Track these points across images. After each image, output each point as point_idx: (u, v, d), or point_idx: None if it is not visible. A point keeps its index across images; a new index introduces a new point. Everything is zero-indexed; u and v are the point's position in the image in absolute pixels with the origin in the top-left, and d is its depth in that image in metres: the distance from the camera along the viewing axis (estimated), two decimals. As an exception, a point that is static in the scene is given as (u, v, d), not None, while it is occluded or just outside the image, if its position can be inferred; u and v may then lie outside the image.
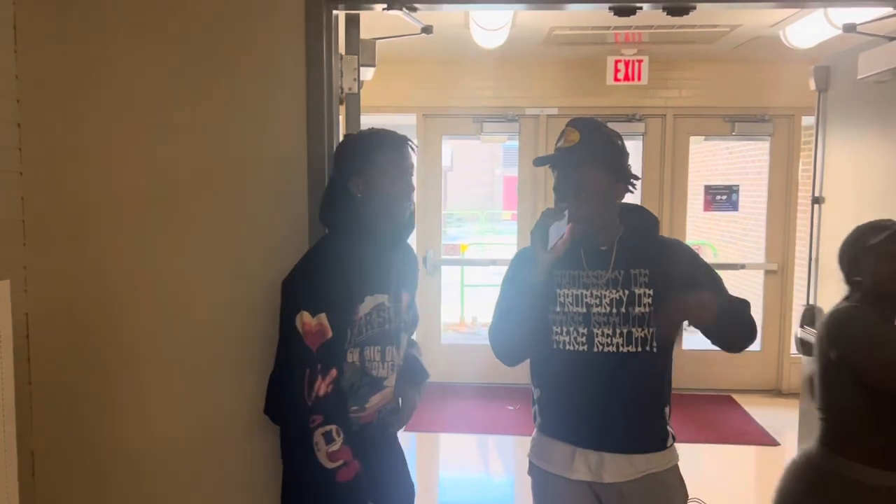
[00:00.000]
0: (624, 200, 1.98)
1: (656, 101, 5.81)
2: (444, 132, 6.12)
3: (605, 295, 1.90)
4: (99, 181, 2.23)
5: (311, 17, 2.18)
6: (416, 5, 2.31)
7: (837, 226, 2.99)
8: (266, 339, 2.00)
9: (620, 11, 2.28)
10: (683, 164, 5.91)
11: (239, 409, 2.22)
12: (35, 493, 2.29)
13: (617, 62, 5.52)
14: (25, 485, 2.19)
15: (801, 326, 3.10)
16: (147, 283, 2.25)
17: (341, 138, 2.24)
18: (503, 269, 2.06)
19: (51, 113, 2.21)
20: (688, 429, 5.06)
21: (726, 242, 8.24)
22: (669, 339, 1.93)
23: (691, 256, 1.98)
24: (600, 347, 1.89)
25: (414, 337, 2.24)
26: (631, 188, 1.95)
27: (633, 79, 5.54)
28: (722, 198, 6.06)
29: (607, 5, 2.28)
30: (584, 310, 1.91)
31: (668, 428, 1.96)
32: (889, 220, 2.11)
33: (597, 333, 1.89)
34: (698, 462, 4.57)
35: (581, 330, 1.90)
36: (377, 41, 2.42)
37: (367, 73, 2.48)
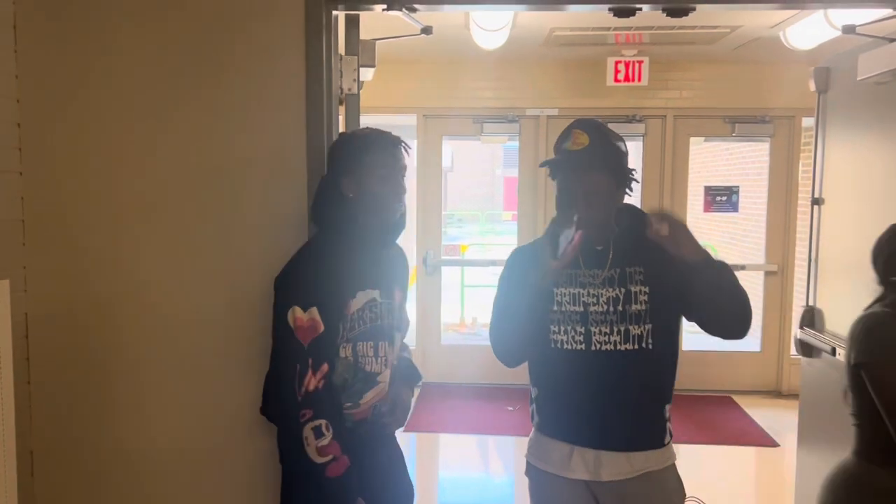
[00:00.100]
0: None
1: (656, 102, 5.82)
2: (444, 133, 6.12)
3: (602, 293, 1.91)
4: (99, 181, 2.23)
5: (310, 17, 2.18)
6: (416, 6, 2.31)
7: (837, 227, 2.99)
8: (266, 338, 2.01)
9: (620, 12, 2.28)
10: (683, 165, 5.91)
11: (238, 409, 2.22)
12: (34, 493, 2.29)
13: (617, 63, 5.52)
14: (24, 484, 2.19)
15: (801, 327, 3.10)
16: (146, 282, 2.25)
17: (340, 139, 2.24)
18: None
19: (51, 113, 2.22)
20: (688, 429, 5.06)
21: (726, 243, 8.25)
22: (668, 333, 1.94)
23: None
24: (598, 346, 1.90)
25: (405, 340, 2.24)
26: (629, 190, 1.96)
27: (633, 80, 5.55)
28: (722, 199, 6.06)
29: (607, 6, 2.28)
30: (582, 309, 1.92)
31: (668, 425, 1.97)
32: None
33: (594, 332, 1.90)
34: (698, 463, 4.58)
35: (579, 329, 1.91)
36: (377, 42, 2.42)
37: (366, 74, 2.48)
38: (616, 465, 1.91)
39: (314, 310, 1.87)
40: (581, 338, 1.90)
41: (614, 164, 1.90)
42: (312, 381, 1.85)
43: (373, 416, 2.03)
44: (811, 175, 3.18)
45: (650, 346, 1.90)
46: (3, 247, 2.16)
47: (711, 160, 9.44)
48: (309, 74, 2.19)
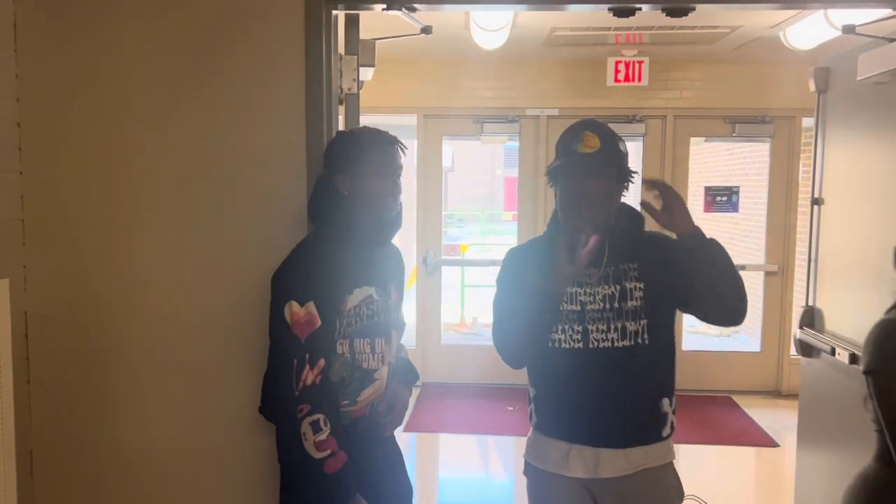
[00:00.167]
0: None
1: (657, 103, 5.82)
2: (444, 133, 6.12)
3: (598, 291, 1.92)
4: (98, 180, 2.24)
5: (310, 16, 2.18)
6: (416, 5, 2.31)
7: (837, 227, 2.99)
8: (265, 338, 2.01)
9: (620, 12, 2.28)
10: (684, 166, 5.91)
11: (238, 408, 2.23)
12: (34, 492, 2.29)
13: (617, 63, 5.52)
14: (24, 483, 2.20)
15: (801, 327, 3.10)
16: (146, 282, 2.25)
17: (340, 138, 2.24)
18: (503, 270, 2.07)
19: (51, 112, 2.22)
20: (688, 430, 5.06)
21: (726, 244, 8.12)
22: (664, 328, 1.95)
23: (672, 241, 2.01)
24: (595, 344, 1.91)
25: (402, 342, 2.25)
26: (626, 190, 1.97)
27: (633, 80, 5.55)
28: (722, 199, 6.06)
29: (606, 6, 2.28)
30: (579, 307, 1.93)
31: (669, 417, 1.96)
32: None
33: (591, 330, 1.91)
34: (698, 463, 4.58)
35: (576, 327, 1.92)
36: (377, 41, 2.42)
37: (366, 74, 2.48)
38: (614, 463, 1.92)
39: (311, 304, 1.88)
40: (579, 336, 1.91)
41: (621, 166, 1.91)
42: (310, 376, 1.86)
43: (370, 414, 2.04)
44: (811, 175, 3.18)
45: (646, 342, 1.91)
46: (2, 246, 2.16)
47: (712, 160, 9.43)
48: (309, 74, 2.19)
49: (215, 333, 2.26)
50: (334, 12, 2.26)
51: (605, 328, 1.91)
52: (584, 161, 1.87)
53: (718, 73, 5.76)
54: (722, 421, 5.37)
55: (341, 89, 2.34)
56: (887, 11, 2.45)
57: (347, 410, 1.98)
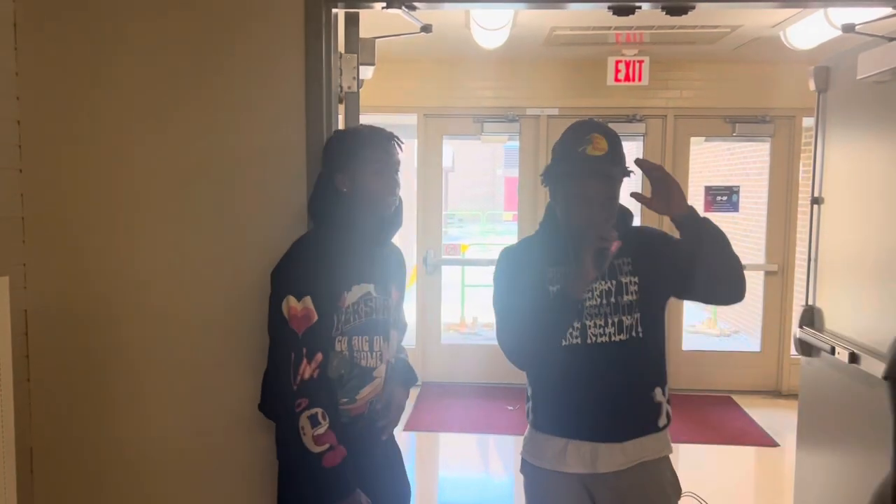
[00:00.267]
0: None
1: (657, 102, 5.81)
2: (444, 132, 6.12)
3: (595, 287, 1.93)
4: (98, 178, 2.24)
5: (310, 15, 2.18)
6: (416, 4, 2.31)
7: (837, 226, 2.99)
8: (264, 336, 2.01)
9: (619, 11, 2.28)
10: (684, 165, 5.90)
11: (237, 406, 2.23)
12: (33, 490, 2.29)
13: (618, 63, 5.52)
14: (24, 482, 2.20)
15: (801, 327, 3.10)
16: (146, 280, 2.25)
17: (340, 137, 2.24)
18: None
19: (51, 110, 2.22)
20: (688, 429, 5.06)
21: (727, 243, 8.21)
22: (657, 319, 1.98)
23: (663, 235, 2.06)
24: (593, 339, 1.92)
25: (408, 348, 2.25)
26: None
27: (633, 79, 5.54)
28: (722, 199, 6.06)
29: (606, 4, 2.28)
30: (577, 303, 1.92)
31: (664, 407, 1.98)
32: None
33: (589, 325, 1.92)
34: (698, 462, 4.58)
35: (575, 324, 1.92)
36: (377, 40, 2.42)
37: (366, 72, 2.48)
38: (612, 457, 1.93)
39: (308, 299, 1.88)
40: (577, 332, 1.92)
41: (624, 167, 1.92)
42: (308, 370, 1.87)
43: (369, 412, 2.04)
44: (811, 175, 3.18)
45: (640, 335, 1.93)
46: (2, 244, 2.16)
47: (712, 160, 9.44)
48: (308, 72, 2.19)
49: (215, 332, 2.26)
50: (334, 10, 2.26)
51: (602, 323, 1.92)
52: (594, 164, 1.86)
53: (719, 73, 5.76)
54: (722, 421, 5.36)
55: (341, 88, 2.34)
56: (887, 10, 2.44)
57: (346, 408, 1.98)
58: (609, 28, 4.71)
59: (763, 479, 4.64)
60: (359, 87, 2.39)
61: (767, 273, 5.98)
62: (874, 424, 2.55)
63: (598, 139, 1.86)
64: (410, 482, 2.25)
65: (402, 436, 2.13)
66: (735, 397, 5.84)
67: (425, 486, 4.35)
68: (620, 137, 1.95)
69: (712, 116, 5.86)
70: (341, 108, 2.38)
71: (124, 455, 2.30)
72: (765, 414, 5.44)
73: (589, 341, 1.92)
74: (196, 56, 2.21)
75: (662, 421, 1.98)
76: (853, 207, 2.86)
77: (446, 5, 2.62)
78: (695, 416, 5.37)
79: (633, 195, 1.95)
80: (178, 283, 2.26)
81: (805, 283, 3.17)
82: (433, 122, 6.05)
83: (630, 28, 4.71)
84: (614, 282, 1.93)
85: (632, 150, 5.23)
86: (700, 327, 8.30)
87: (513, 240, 6.91)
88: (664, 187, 1.89)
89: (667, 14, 2.33)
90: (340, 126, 2.37)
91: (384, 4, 2.29)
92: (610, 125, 1.96)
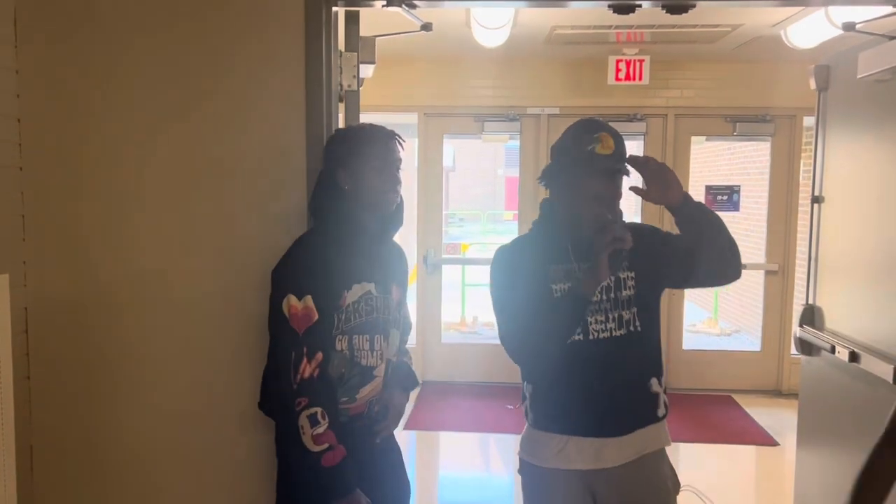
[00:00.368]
0: None
1: (658, 101, 5.81)
2: (445, 131, 6.11)
3: None
4: (98, 176, 2.24)
5: (310, 13, 2.18)
6: (416, 2, 2.31)
7: (837, 225, 2.99)
8: (264, 333, 2.01)
9: (619, 9, 2.29)
10: (685, 165, 5.90)
11: (237, 403, 2.23)
12: (34, 488, 2.29)
13: (618, 62, 5.52)
14: (24, 479, 2.20)
15: (801, 326, 3.10)
16: (146, 277, 2.25)
17: (340, 135, 2.24)
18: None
19: (51, 108, 2.22)
20: (688, 429, 5.06)
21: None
22: (652, 312, 2.01)
23: (653, 229, 2.09)
24: (595, 335, 1.93)
25: (407, 345, 2.24)
26: None
27: (634, 78, 5.54)
28: (723, 198, 6.05)
29: (606, 3, 2.28)
30: None
31: (661, 397, 2.00)
32: None
33: (591, 322, 1.92)
34: (698, 462, 4.58)
35: None
36: (377, 38, 2.42)
37: (367, 71, 2.48)
38: (614, 451, 1.94)
39: (308, 298, 1.88)
40: (580, 329, 1.92)
41: (626, 166, 1.94)
42: (307, 369, 1.87)
43: (368, 411, 2.04)
44: (811, 174, 3.18)
45: (639, 329, 1.96)
46: (2, 242, 2.16)
47: (712, 159, 9.44)
48: (309, 70, 2.19)
49: (214, 330, 2.26)
50: (334, 9, 2.26)
51: (603, 319, 1.93)
52: (604, 162, 1.88)
53: (719, 72, 5.76)
54: (722, 420, 5.36)
55: (341, 86, 2.34)
56: (888, 9, 2.44)
57: (346, 407, 1.98)
58: (610, 27, 4.71)
59: (763, 478, 4.64)
60: (359, 86, 2.39)
61: (768, 272, 5.98)
62: (874, 423, 2.54)
63: (607, 138, 1.88)
64: (410, 481, 2.25)
65: (402, 435, 2.13)
66: (735, 396, 5.84)
67: (425, 485, 4.35)
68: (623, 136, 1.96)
69: (713, 116, 5.85)
70: (341, 106, 2.38)
71: (124, 452, 2.30)
72: (765, 413, 5.44)
73: (591, 337, 1.92)
74: (196, 54, 2.21)
75: (661, 411, 2.00)
76: (854, 206, 2.86)
77: (446, 3, 2.62)
78: (695, 416, 5.37)
79: (633, 189, 1.97)
80: (177, 281, 2.26)
81: (805, 283, 3.17)
82: (434, 122, 6.05)
83: (631, 27, 4.71)
84: (613, 278, 1.93)
85: (633, 149, 5.21)
86: (700, 327, 8.30)
87: (513, 239, 6.92)
88: (660, 177, 1.91)
89: (667, 12, 2.33)
90: (341, 125, 2.37)
91: (384, 3, 2.29)
92: (610, 124, 1.96)
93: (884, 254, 2.60)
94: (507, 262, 2.01)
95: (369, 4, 2.33)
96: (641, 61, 5.49)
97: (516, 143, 6.12)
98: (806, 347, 3.08)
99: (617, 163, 1.89)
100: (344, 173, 1.98)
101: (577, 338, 1.92)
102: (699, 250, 1.91)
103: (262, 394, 2.07)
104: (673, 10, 2.32)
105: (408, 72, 5.69)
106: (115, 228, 2.25)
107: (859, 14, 2.65)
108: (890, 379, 2.40)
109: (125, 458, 2.30)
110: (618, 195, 1.92)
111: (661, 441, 2.01)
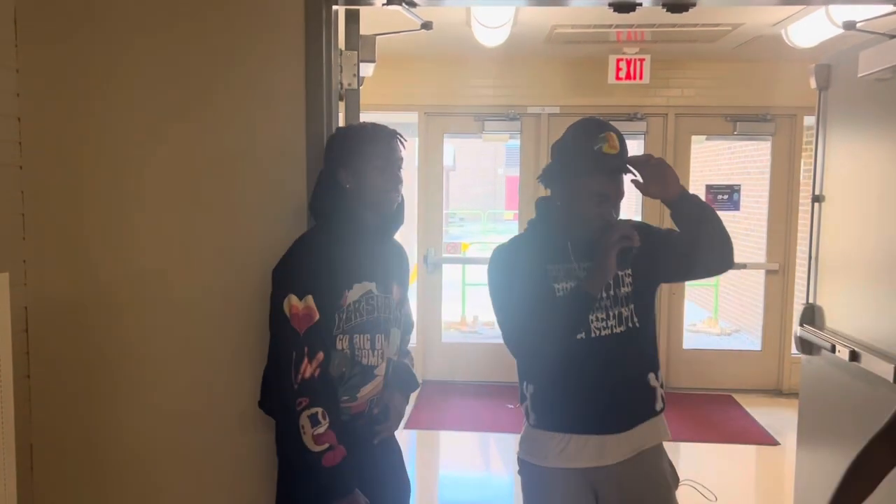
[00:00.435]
0: None
1: (658, 101, 5.81)
2: (445, 130, 6.11)
3: None
4: (98, 175, 2.24)
5: (310, 12, 2.18)
6: (416, 1, 2.31)
7: (838, 224, 2.98)
8: (265, 332, 2.01)
9: (620, 7, 2.28)
10: (685, 164, 5.90)
11: (238, 402, 2.23)
12: (34, 486, 2.29)
13: (619, 61, 5.51)
14: (24, 478, 2.20)
15: (801, 325, 3.10)
16: (146, 276, 2.25)
17: (340, 134, 2.24)
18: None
19: (51, 107, 2.22)
20: (688, 428, 5.06)
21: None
22: (649, 307, 2.02)
23: (646, 226, 2.11)
24: (597, 332, 1.93)
25: (409, 346, 2.24)
26: None
27: (634, 78, 5.54)
28: (723, 197, 6.05)
29: (607, 1, 2.28)
30: None
31: (658, 391, 2.03)
32: None
33: (592, 319, 1.93)
34: (699, 461, 4.58)
35: None
36: (377, 37, 2.42)
37: (367, 69, 2.47)
38: (616, 447, 1.95)
39: (309, 298, 1.88)
40: (581, 326, 1.92)
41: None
42: (308, 369, 1.86)
43: (369, 410, 2.04)
44: (812, 173, 3.17)
45: (637, 325, 1.98)
46: (2, 240, 2.16)
47: (713, 158, 9.43)
48: (309, 69, 2.19)
49: (214, 329, 2.26)
50: (334, 7, 2.25)
51: (604, 316, 1.94)
52: (612, 162, 1.89)
53: (720, 72, 5.76)
54: (722, 419, 5.36)
55: (341, 85, 2.34)
56: (889, 7, 2.44)
57: (347, 406, 1.98)
58: (610, 26, 4.71)
59: (764, 477, 4.64)
60: (359, 85, 2.38)
61: (768, 272, 5.97)
62: (875, 422, 2.54)
63: (613, 137, 1.89)
64: (411, 480, 2.25)
65: (402, 434, 2.12)
66: (736, 396, 5.83)
67: (426, 484, 4.35)
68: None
69: (713, 115, 5.85)
70: (342, 105, 2.38)
71: (124, 451, 2.30)
72: (765, 412, 5.44)
73: (593, 335, 1.93)
74: (196, 53, 2.21)
75: (659, 405, 2.02)
76: (854, 205, 2.86)
77: (447, 2, 2.62)
78: (695, 415, 5.36)
79: (633, 182, 1.98)
80: (177, 281, 2.25)
81: (806, 282, 3.17)
82: (434, 121, 6.05)
83: (631, 26, 4.71)
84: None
85: (633, 148, 5.21)
86: (701, 326, 8.30)
87: (514, 238, 6.92)
88: (659, 173, 1.93)
89: (667, 11, 2.33)
90: (341, 123, 2.36)
91: (385, 1, 2.29)
92: (611, 123, 1.96)
93: (884, 253, 2.59)
94: (505, 262, 2.01)
95: (369, 3, 2.33)
96: (642, 60, 5.49)
97: (517, 142, 6.11)
98: (806, 346, 3.08)
99: (622, 162, 1.91)
100: (345, 172, 1.98)
101: (579, 336, 1.92)
102: (695, 243, 1.93)
103: (263, 393, 2.07)
104: (673, 8, 2.31)
105: (408, 71, 5.69)
106: (116, 227, 2.25)
107: (860, 13, 2.65)
108: (890, 378, 2.40)
109: (125, 457, 2.30)
110: (621, 194, 1.94)
111: (660, 435, 2.03)
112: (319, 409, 1.85)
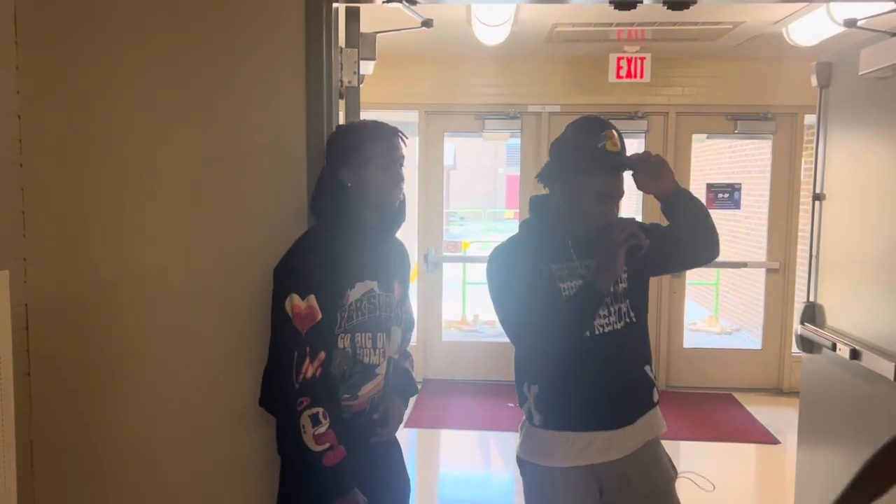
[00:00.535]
0: None
1: (659, 99, 5.80)
2: (446, 129, 6.11)
3: None
4: (99, 173, 2.23)
5: (311, 10, 2.18)
6: (417, -2, 2.30)
7: (838, 222, 2.98)
8: (266, 330, 2.01)
9: (621, 5, 2.28)
10: (686, 163, 5.90)
11: (238, 399, 2.23)
12: (34, 484, 2.29)
13: (619, 59, 5.51)
14: (24, 476, 2.20)
15: (802, 323, 3.10)
16: (147, 274, 2.25)
17: (340, 132, 2.23)
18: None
19: (51, 104, 2.22)
20: (689, 427, 5.06)
21: (728, 241, 8.24)
22: (643, 301, 2.05)
23: (642, 223, 2.11)
24: (600, 329, 1.94)
25: (409, 345, 2.24)
26: None
27: (635, 76, 5.53)
28: (724, 196, 6.04)
29: (608, -1, 2.28)
30: None
31: (653, 382, 2.06)
32: None
33: (595, 317, 1.93)
34: (699, 460, 4.58)
35: None
36: (378, 35, 2.42)
37: (367, 67, 2.47)
38: (621, 442, 1.96)
39: (312, 297, 1.87)
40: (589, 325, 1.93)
41: None
42: (310, 369, 1.86)
43: (370, 408, 2.03)
44: (813, 171, 3.17)
45: (633, 319, 2.00)
46: (3, 238, 2.16)
47: (713, 157, 9.43)
48: (309, 67, 2.19)
49: (214, 327, 2.25)
50: (335, 5, 2.25)
51: (605, 313, 1.94)
52: (615, 159, 1.90)
53: (721, 70, 5.75)
54: (723, 418, 5.36)
55: (342, 82, 2.33)
56: (890, 5, 2.44)
57: (348, 404, 1.98)
58: (611, 24, 4.71)
59: (764, 476, 4.64)
60: (359, 82, 2.38)
61: (769, 270, 5.97)
62: (875, 420, 2.55)
63: (613, 135, 1.90)
64: (411, 479, 2.24)
65: (402, 433, 2.12)
66: (736, 395, 5.84)
67: (426, 483, 4.35)
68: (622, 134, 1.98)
69: (714, 113, 5.85)
70: (342, 103, 2.38)
71: (125, 449, 2.30)
72: (766, 411, 5.44)
73: (597, 332, 1.94)
74: (196, 51, 2.21)
75: (655, 396, 2.05)
76: (855, 204, 2.86)
77: (447, 0, 2.61)
78: (696, 414, 5.37)
79: (633, 175, 1.99)
80: (178, 278, 2.25)
81: (806, 280, 3.17)
82: (434, 119, 6.05)
83: (632, 24, 4.70)
84: None
85: (634, 146, 5.21)
86: (701, 325, 8.30)
87: (514, 237, 6.91)
88: (657, 169, 1.95)
89: (668, 9, 2.32)
90: (341, 121, 2.36)
91: (385, -1, 2.28)
92: (612, 122, 1.97)
93: (885, 251, 2.59)
94: (505, 262, 1.99)
95: (370, 0, 2.32)
96: (642, 59, 5.48)
97: (517, 141, 6.11)
98: (807, 345, 3.08)
99: (623, 159, 1.92)
100: (347, 171, 1.97)
101: (584, 334, 1.93)
102: (685, 236, 1.97)
103: (263, 391, 2.06)
104: (674, 6, 2.31)
105: (408, 69, 5.69)
106: (116, 225, 2.25)
107: (861, 10, 2.64)
108: (891, 376, 2.40)
109: (125, 454, 2.30)
110: (622, 192, 1.94)
111: (658, 427, 2.06)
112: (320, 409, 1.85)
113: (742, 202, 6.14)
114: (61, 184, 2.23)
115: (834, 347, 2.80)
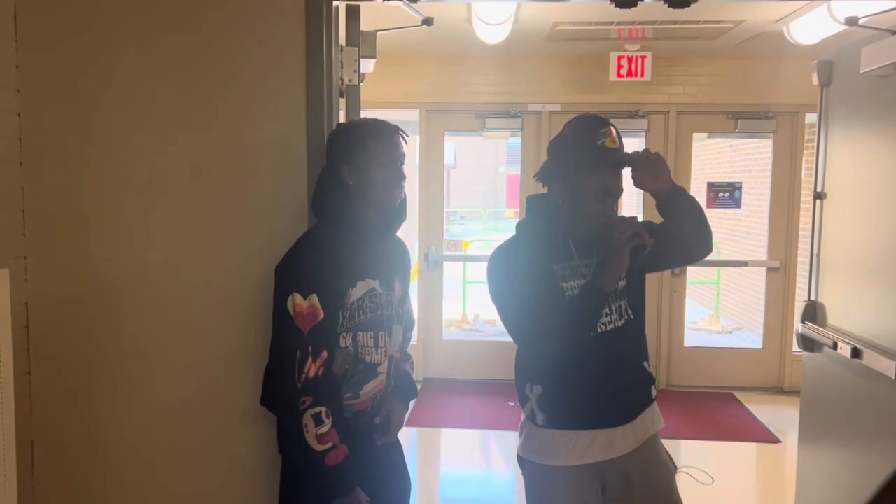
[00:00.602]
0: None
1: (659, 98, 5.80)
2: (446, 128, 6.10)
3: None
4: (99, 172, 2.23)
5: (311, 8, 2.18)
6: (417, -3, 2.30)
7: (839, 221, 2.98)
8: (267, 327, 2.01)
9: (621, 3, 2.27)
10: (686, 161, 5.89)
11: (239, 398, 2.23)
12: (34, 483, 2.29)
13: (620, 58, 5.50)
14: (24, 475, 2.20)
15: (803, 322, 3.09)
16: (147, 272, 2.25)
17: (340, 130, 2.23)
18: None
19: (51, 103, 2.21)
20: (689, 426, 5.06)
21: (729, 240, 8.24)
22: (640, 298, 2.07)
23: (643, 221, 2.13)
24: (602, 328, 1.95)
25: (410, 344, 2.24)
26: None
27: (636, 75, 5.52)
28: (725, 195, 6.04)
29: (608, -3, 2.27)
30: None
31: (652, 376, 2.09)
32: None
33: (599, 316, 1.93)
34: (700, 459, 4.57)
35: None
36: (378, 33, 2.41)
37: (367, 66, 2.47)
38: (624, 439, 1.97)
39: (314, 297, 1.87)
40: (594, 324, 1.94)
41: None
42: (312, 369, 1.85)
43: (372, 406, 2.03)
44: (814, 170, 3.17)
45: (632, 316, 2.01)
46: (3, 236, 2.16)
47: (714, 156, 9.42)
48: (309, 65, 2.19)
49: (215, 326, 2.25)
50: (335, 3, 2.25)
51: (607, 311, 1.95)
52: (615, 156, 1.91)
53: (721, 69, 5.75)
54: (724, 417, 5.36)
55: (342, 81, 2.33)
56: (891, 3, 2.43)
57: (350, 403, 1.97)
58: (612, 23, 4.70)
59: (765, 475, 4.64)
60: (360, 81, 2.38)
61: (770, 269, 5.97)
62: (876, 419, 2.54)
63: (612, 132, 1.91)
64: (412, 477, 2.24)
65: (403, 431, 2.12)
66: (737, 394, 5.83)
67: (426, 482, 4.35)
68: (622, 133, 1.99)
69: (715, 112, 5.84)
70: (342, 102, 2.37)
71: (125, 448, 2.30)
72: (767, 410, 5.44)
73: (599, 330, 1.94)
74: (197, 50, 2.20)
75: (654, 392, 2.07)
76: (856, 203, 2.85)
77: (448, -2, 2.61)
78: (696, 413, 5.36)
79: (633, 173, 2.00)
80: (178, 276, 2.25)
81: (807, 279, 3.16)
82: (435, 118, 6.04)
83: (632, 23, 4.70)
84: None
85: (634, 145, 5.21)
86: (702, 324, 8.29)
87: (515, 236, 6.90)
88: (655, 167, 1.96)
89: (669, 6, 2.31)
90: (341, 119, 2.36)
91: (385, -3, 2.28)
92: (612, 121, 1.97)
93: (886, 249, 2.59)
94: (506, 264, 1.98)
95: (370, -1, 2.32)
96: (643, 58, 5.48)
97: (518, 140, 6.10)
98: (808, 344, 3.08)
99: (623, 156, 1.92)
100: (348, 170, 1.97)
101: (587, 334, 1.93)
102: (680, 233, 1.98)
103: (265, 390, 2.06)
104: (675, 4, 2.30)
105: (409, 68, 5.68)
106: (116, 223, 2.25)
107: (862, 9, 2.64)
108: (892, 375, 2.40)
109: (126, 453, 2.30)
110: (622, 190, 1.95)
111: (657, 423, 2.07)
112: (323, 409, 1.85)
113: (743, 201, 6.13)
114: (61, 182, 2.23)
115: (835, 346, 2.80)
